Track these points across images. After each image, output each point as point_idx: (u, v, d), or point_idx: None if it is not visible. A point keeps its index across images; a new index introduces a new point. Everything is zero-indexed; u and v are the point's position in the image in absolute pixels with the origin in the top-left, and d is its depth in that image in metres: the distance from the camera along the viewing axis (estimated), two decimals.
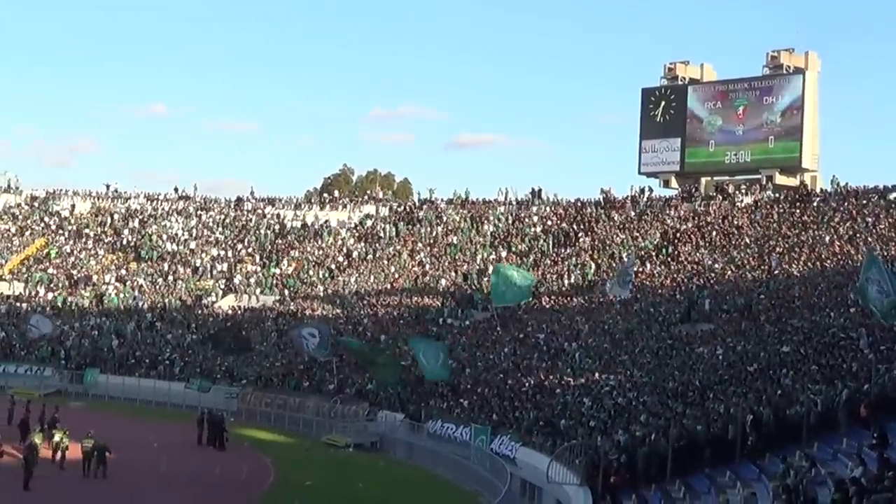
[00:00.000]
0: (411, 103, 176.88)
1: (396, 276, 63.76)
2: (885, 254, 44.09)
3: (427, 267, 64.07)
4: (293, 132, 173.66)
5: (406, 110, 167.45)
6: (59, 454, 36.43)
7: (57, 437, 36.71)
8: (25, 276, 70.81)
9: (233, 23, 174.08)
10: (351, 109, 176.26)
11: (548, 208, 67.35)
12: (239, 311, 63.35)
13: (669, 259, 54.76)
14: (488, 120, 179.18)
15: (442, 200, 72.64)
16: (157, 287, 68.40)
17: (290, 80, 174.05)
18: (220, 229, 74.58)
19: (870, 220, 50.71)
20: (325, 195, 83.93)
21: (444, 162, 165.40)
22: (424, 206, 72.63)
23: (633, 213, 62.25)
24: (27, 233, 76.33)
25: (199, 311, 64.15)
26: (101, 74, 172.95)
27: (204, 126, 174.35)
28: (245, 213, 76.56)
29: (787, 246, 51.28)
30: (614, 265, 55.58)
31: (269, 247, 71.56)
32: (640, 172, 65.62)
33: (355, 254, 68.31)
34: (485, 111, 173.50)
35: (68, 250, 73.90)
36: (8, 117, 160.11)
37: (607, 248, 58.61)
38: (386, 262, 66.18)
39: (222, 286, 67.68)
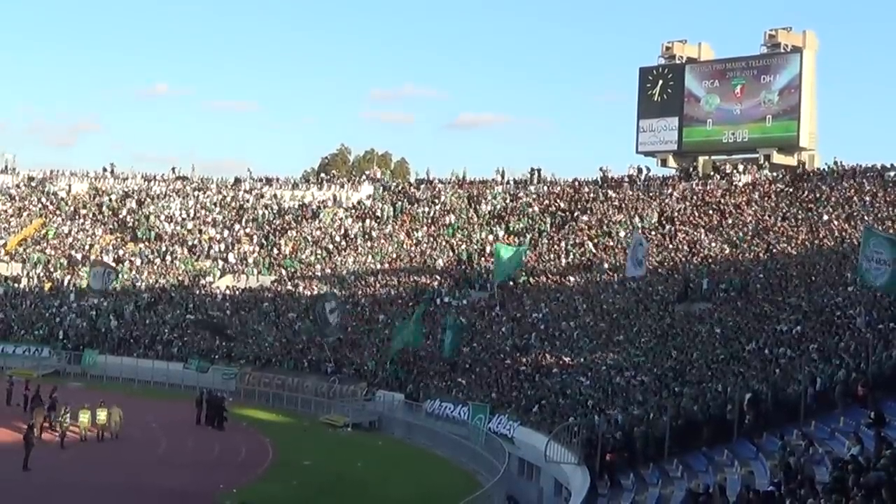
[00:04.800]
0: (411, 83, 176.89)
1: (394, 255, 63.77)
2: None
3: (424, 246, 64.08)
4: (294, 112, 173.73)
5: (406, 90, 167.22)
6: (58, 433, 36.80)
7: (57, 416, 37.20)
8: (23, 256, 70.71)
9: (236, 2, 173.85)
10: (351, 89, 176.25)
11: (546, 187, 67.30)
12: (237, 292, 63.36)
13: (667, 238, 54.74)
14: (486, 100, 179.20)
15: (439, 180, 72.58)
16: (155, 267, 68.36)
17: (292, 59, 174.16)
18: (218, 209, 74.46)
19: (867, 198, 50.67)
20: (323, 175, 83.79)
21: (441, 142, 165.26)
22: (422, 186, 72.57)
23: (630, 193, 62.20)
24: (25, 213, 76.18)
25: (197, 292, 64.14)
26: (103, 54, 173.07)
27: (204, 106, 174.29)
28: (242, 193, 76.44)
29: (784, 225, 51.30)
30: (611, 244, 55.70)
31: (267, 227, 71.50)
32: (637, 151, 65.47)
33: (353, 233, 68.26)
34: (483, 91, 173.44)
35: (66, 231, 73.79)
36: (9, 97, 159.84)
37: (605, 227, 58.59)
38: (383, 241, 66.15)
39: (220, 266, 67.64)
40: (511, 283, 54.24)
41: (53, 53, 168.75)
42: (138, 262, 69.17)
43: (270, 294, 62.05)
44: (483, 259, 59.99)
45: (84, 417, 37.94)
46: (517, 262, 54.11)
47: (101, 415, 38.30)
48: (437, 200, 69.34)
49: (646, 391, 34.83)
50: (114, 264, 66.10)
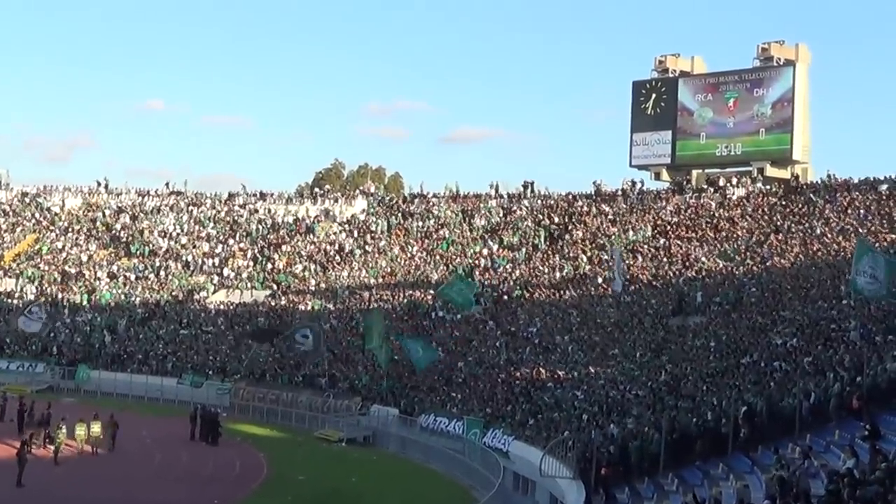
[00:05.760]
0: (406, 98, 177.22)
1: (388, 270, 63.74)
2: (878, 246, 44.13)
3: (418, 261, 64.07)
4: (288, 127, 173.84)
5: (400, 105, 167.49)
6: (52, 449, 36.76)
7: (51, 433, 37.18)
8: (17, 271, 70.56)
9: (231, 18, 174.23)
10: (346, 104, 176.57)
11: (539, 201, 67.37)
12: (231, 307, 63.25)
13: (661, 252, 54.79)
14: (480, 114, 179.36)
15: (433, 195, 72.62)
16: (149, 282, 68.26)
17: (286, 74, 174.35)
18: (212, 224, 74.40)
19: (861, 212, 50.83)
20: (317, 190, 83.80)
21: (435, 156, 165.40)
22: (416, 200, 72.60)
23: (624, 206, 62.31)
24: (18, 229, 76.07)
25: (191, 307, 64.04)
26: (98, 70, 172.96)
27: (199, 121, 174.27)
28: (236, 208, 76.39)
29: (778, 238, 51.39)
30: (605, 258, 55.70)
31: (261, 242, 71.45)
32: (631, 165, 65.58)
33: (347, 248, 68.23)
34: (476, 106, 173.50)
35: (59, 246, 73.68)
36: (3, 112, 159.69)
37: (599, 241, 58.64)
38: (377, 256, 66.14)
39: (214, 281, 67.55)
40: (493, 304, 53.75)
41: (48, 69, 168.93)
42: (132, 277, 69.05)
43: (264, 309, 61.96)
44: (477, 273, 59.92)
45: (80, 431, 37.98)
46: (471, 288, 52.35)
47: (95, 427, 38.45)
48: (430, 215, 69.38)
49: (640, 405, 34.81)
50: (32, 299, 64.46)
